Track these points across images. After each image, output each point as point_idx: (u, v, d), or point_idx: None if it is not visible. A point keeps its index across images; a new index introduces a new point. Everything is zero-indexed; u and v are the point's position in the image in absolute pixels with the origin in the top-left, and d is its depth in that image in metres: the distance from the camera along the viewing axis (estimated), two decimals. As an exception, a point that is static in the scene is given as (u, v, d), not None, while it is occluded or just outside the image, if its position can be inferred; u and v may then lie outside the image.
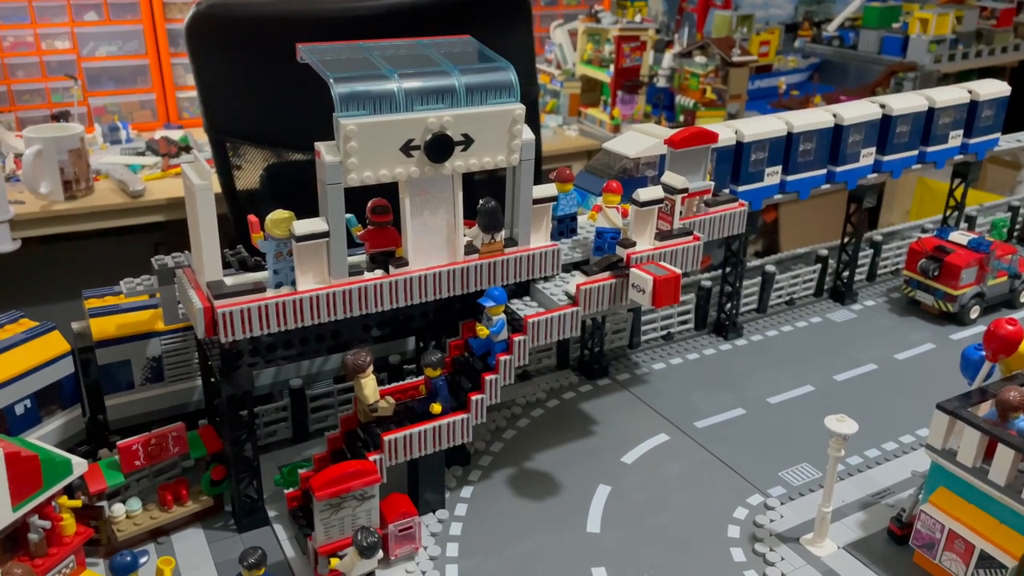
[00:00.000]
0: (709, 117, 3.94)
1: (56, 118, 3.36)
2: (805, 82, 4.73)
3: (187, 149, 3.47)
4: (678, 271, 1.21)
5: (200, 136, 3.39)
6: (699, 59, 3.97)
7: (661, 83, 4.16)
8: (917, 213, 4.69)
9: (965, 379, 1.19)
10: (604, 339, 1.66)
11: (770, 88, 4.58)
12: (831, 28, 5.04)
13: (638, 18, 4.15)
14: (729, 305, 1.77)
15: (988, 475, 1.07)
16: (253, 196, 2.31)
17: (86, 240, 3.03)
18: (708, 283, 1.78)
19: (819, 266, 1.91)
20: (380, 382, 1.45)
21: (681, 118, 3.96)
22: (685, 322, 1.80)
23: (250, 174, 2.33)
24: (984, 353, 1.15)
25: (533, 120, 2.66)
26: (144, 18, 3.72)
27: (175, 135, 3.56)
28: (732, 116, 4.10)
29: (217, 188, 2.26)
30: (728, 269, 1.74)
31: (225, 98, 2.27)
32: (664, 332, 1.78)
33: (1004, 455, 1.05)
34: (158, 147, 3.36)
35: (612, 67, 3.92)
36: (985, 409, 1.12)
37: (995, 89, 1.84)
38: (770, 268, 1.84)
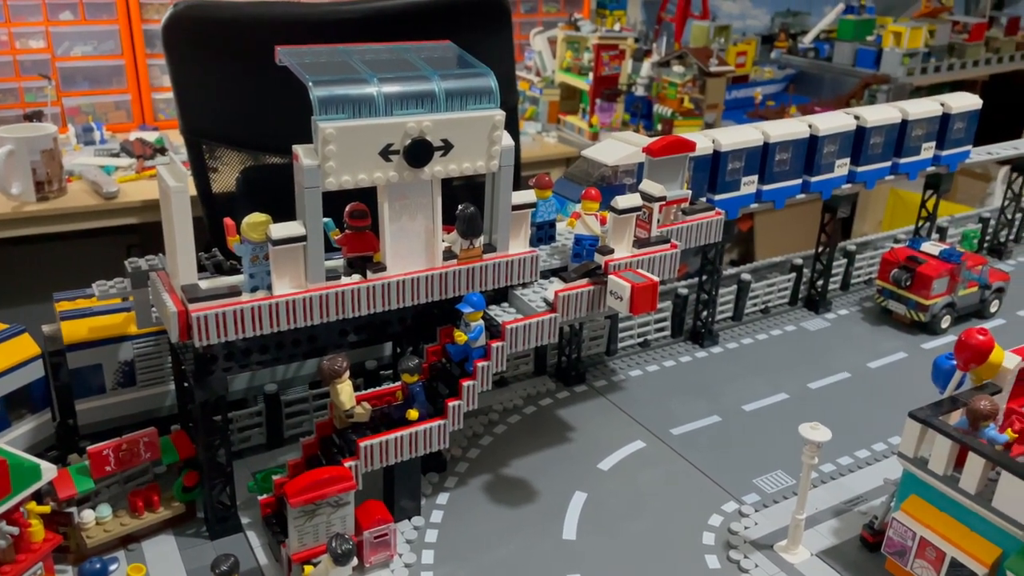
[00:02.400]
0: (686, 126, 3.98)
1: (29, 118, 3.31)
2: (781, 93, 4.79)
3: (162, 151, 3.44)
4: (656, 279, 1.21)
5: (176, 138, 3.35)
6: (677, 69, 4.01)
7: (639, 91, 4.19)
8: (889, 223, 4.76)
9: (937, 388, 1.20)
10: (581, 346, 1.66)
11: (746, 98, 4.63)
12: (807, 40, 5.11)
13: (617, 27, 4.18)
14: (705, 313, 1.78)
15: (959, 483, 1.09)
16: (229, 199, 2.29)
17: (58, 242, 2.98)
18: (684, 291, 1.79)
19: (794, 275, 1.93)
20: (356, 388, 1.45)
21: (659, 127, 3.99)
22: (662, 329, 1.81)
23: (226, 176, 2.31)
24: (955, 362, 1.17)
25: (513, 127, 2.66)
26: (120, 18, 3.68)
27: (150, 136, 3.52)
28: (709, 126, 4.14)
29: (193, 191, 2.24)
30: (704, 277, 1.75)
31: (202, 100, 2.25)
32: (641, 339, 1.79)
33: (975, 463, 1.07)
34: (133, 148, 3.32)
35: (591, 75, 3.94)
36: (956, 418, 1.14)
37: (967, 102, 1.87)
38: (746, 277, 1.85)
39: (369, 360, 1.47)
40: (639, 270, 1.25)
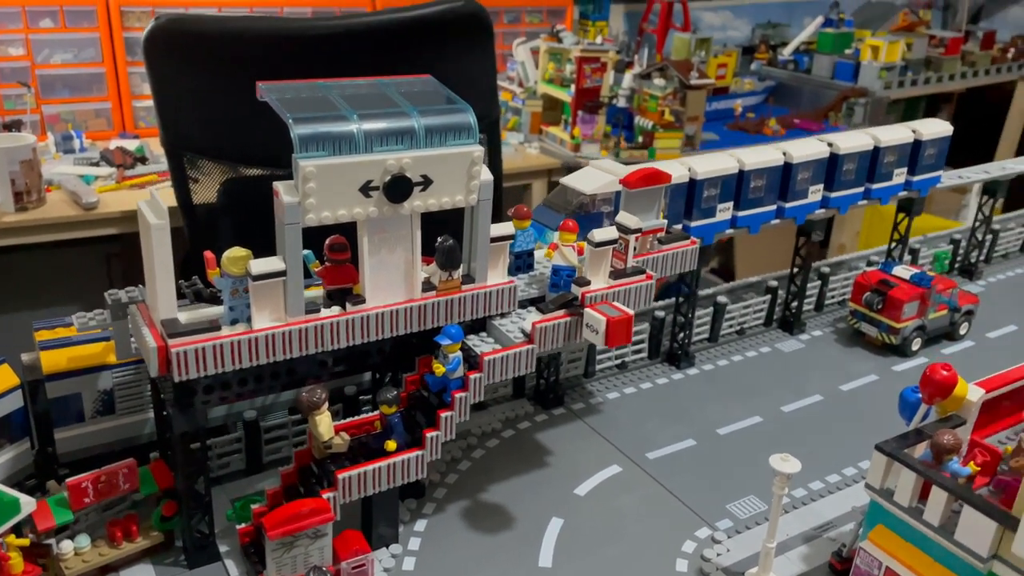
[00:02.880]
0: (667, 138, 4.02)
1: (8, 127, 3.29)
2: (761, 104, 4.84)
3: (143, 160, 3.43)
4: (631, 312, 1.23)
5: (156, 147, 3.34)
6: (658, 81, 4.04)
7: (621, 103, 4.22)
8: (867, 235, 4.83)
9: (903, 420, 1.23)
10: (560, 368, 1.68)
11: (727, 110, 4.68)
12: (786, 52, 5.16)
13: (599, 39, 4.21)
14: (682, 335, 1.81)
15: (923, 515, 1.12)
16: (211, 210, 2.29)
17: (37, 252, 2.96)
18: (661, 313, 1.82)
19: (769, 297, 1.96)
20: (336, 413, 1.47)
21: (640, 139, 4.03)
22: (639, 351, 1.84)
23: (208, 188, 2.31)
24: (921, 395, 1.20)
25: (494, 141, 2.69)
26: (101, 26, 3.67)
27: (131, 145, 3.51)
28: (690, 138, 4.18)
29: (172, 201, 2.24)
30: (681, 300, 1.78)
31: (183, 112, 2.25)
32: (618, 361, 1.81)
33: (938, 496, 1.10)
34: (113, 157, 3.30)
35: (573, 87, 3.96)
36: (921, 450, 1.17)
37: (938, 129, 1.91)
38: (722, 299, 1.88)
39: (349, 386, 1.48)
40: (615, 303, 1.28)
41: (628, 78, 4.30)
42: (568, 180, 1.57)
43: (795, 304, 1.95)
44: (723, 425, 1.63)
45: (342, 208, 1.12)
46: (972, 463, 1.14)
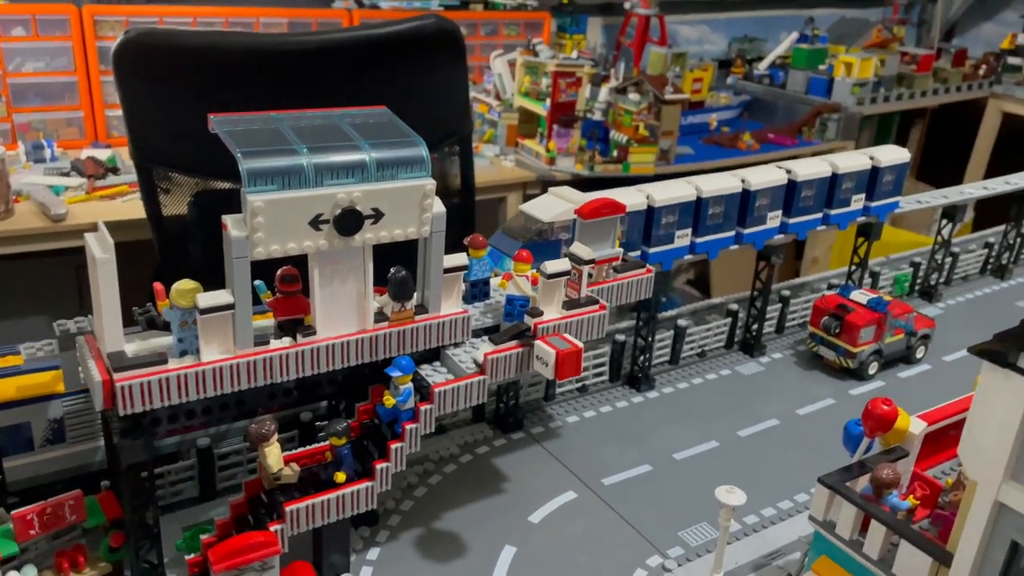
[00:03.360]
0: (641, 153, 4.05)
1: (-24, 137, 3.26)
2: (736, 119, 4.88)
3: (114, 170, 3.41)
4: (580, 345, 1.25)
5: (128, 157, 3.33)
6: (632, 96, 4.07)
7: (597, 116, 4.25)
8: (840, 249, 4.88)
9: (847, 451, 1.25)
10: (519, 392, 1.69)
11: (702, 124, 4.72)
12: (762, 67, 5.22)
13: (574, 54, 4.23)
14: (642, 358, 1.82)
15: (863, 548, 1.14)
16: (181, 222, 2.28)
17: (5, 263, 2.94)
18: (622, 337, 1.83)
19: (730, 320, 1.99)
20: (291, 440, 1.47)
21: (615, 152, 4.05)
22: (600, 374, 1.85)
23: (178, 201, 2.30)
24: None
25: (467, 155, 2.70)
26: (74, 35, 3.64)
27: (102, 154, 3.48)
28: (664, 152, 4.21)
29: (141, 214, 2.24)
30: (641, 323, 1.79)
31: (153, 126, 2.24)
32: (579, 385, 1.82)
33: (877, 530, 1.12)
34: (84, 167, 3.28)
35: (548, 101, 3.98)
36: (863, 483, 1.19)
37: (895, 156, 1.94)
38: (682, 322, 1.90)
39: (304, 412, 1.48)
40: (565, 335, 1.29)
41: (604, 92, 4.33)
42: (527, 207, 1.58)
43: (755, 327, 1.97)
44: (679, 450, 1.65)
45: (292, 241, 1.13)
46: (912, 496, 1.16)
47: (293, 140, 1.15)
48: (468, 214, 2.76)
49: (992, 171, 5.50)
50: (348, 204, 1.14)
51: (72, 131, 3.77)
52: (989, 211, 3.06)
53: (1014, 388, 0.93)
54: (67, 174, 3.28)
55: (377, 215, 1.18)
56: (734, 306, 2.00)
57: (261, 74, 2.30)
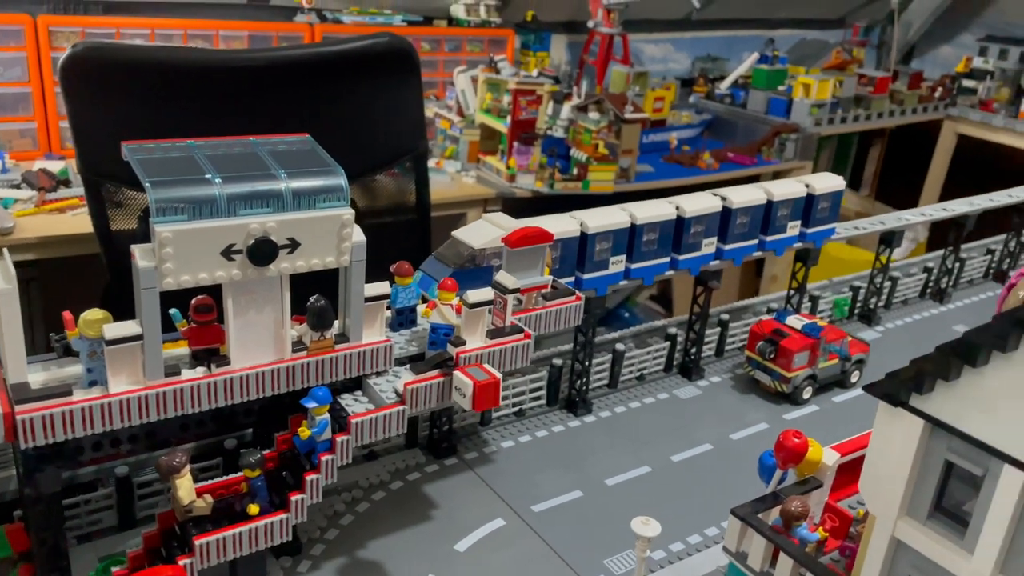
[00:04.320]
0: (601, 171, 4.07)
1: (-77, 149, 3.20)
2: (697, 137, 4.93)
3: (66, 183, 3.37)
4: (499, 375, 1.25)
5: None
6: (592, 115, 4.10)
7: (559, 134, 4.27)
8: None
9: (762, 482, 1.26)
10: (453, 417, 1.69)
11: (663, 142, 4.76)
12: (723, 86, 5.28)
13: (535, 72, 4.26)
14: (580, 382, 1.83)
15: (772, 579, 1.15)
16: (131, 238, 2.26)
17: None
18: (559, 361, 1.84)
19: (668, 343, 2.00)
20: (215, 467, 1.45)
21: (575, 171, 4.08)
22: (537, 398, 1.85)
23: (127, 216, 2.28)
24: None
25: (422, 173, 2.70)
26: (28, 45, 3.60)
27: (55, 166, 3.44)
28: (624, 170, 4.25)
29: (89, 228, 2.21)
30: (578, 347, 1.80)
31: (101, 141, 2.22)
32: (516, 408, 1.82)
33: (785, 562, 1.13)
34: (35, 179, 3.24)
35: (509, 118, 4.00)
36: (775, 515, 1.20)
37: (830, 183, 1.97)
38: (620, 346, 1.91)
39: (229, 439, 1.47)
40: (486, 365, 1.29)
41: (566, 109, 4.36)
42: (459, 233, 1.58)
43: (694, 351, 1.99)
44: (612, 475, 1.65)
45: (203, 272, 1.12)
46: (821, 528, 1.17)
47: (207, 169, 1.14)
48: (423, 232, 2.76)
49: (947, 191, 5.61)
50: (262, 234, 1.13)
51: (25, 142, 3.72)
52: (946, 231, 3.11)
53: (906, 426, 0.95)
54: (18, 186, 3.23)
55: (293, 245, 1.17)
56: (673, 330, 2.02)
57: (212, 90, 2.29)
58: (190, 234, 1.09)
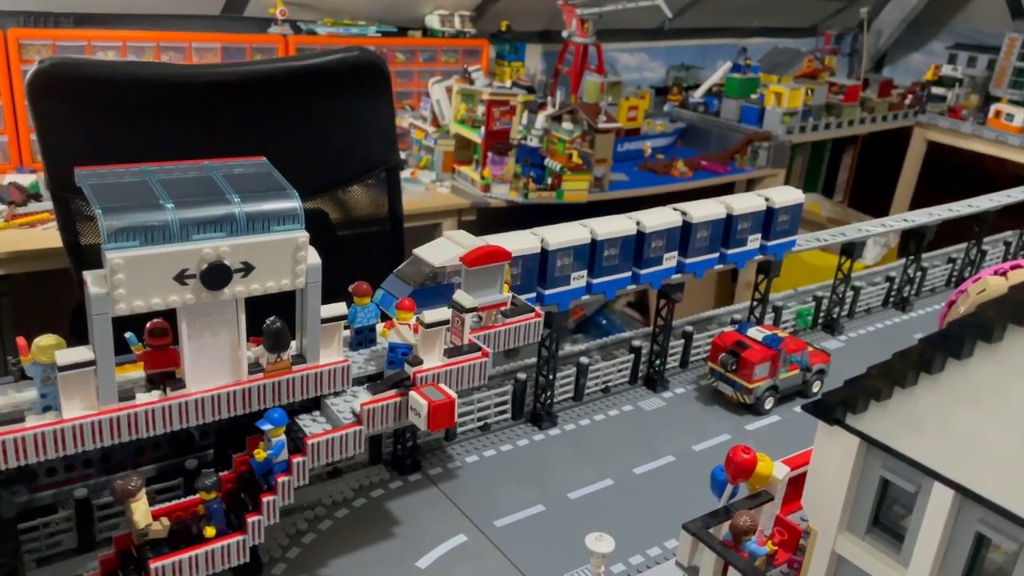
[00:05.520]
0: (574, 180, 4.11)
1: None
2: (670, 146, 4.98)
3: (37, 197, 3.36)
4: (453, 395, 1.26)
5: (48, 187, 3.27)
6: (566, 125, 4.13)
7: (534, 143, 4.30)
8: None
9: (714, 496, 1.29)
10: (418, 432, 1.70)
11: (637, 151, 4.80)
12: (697, 95, 5.33)
13: (508, 83, 4.28)
14: (544, 396, 1.85)
15: (723, 593, 1.17)
16: (101, 253, 2.26)
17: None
18: (523, 375, 1.85)
19: (632, 356, 2.02)
20: (176, 488, 1.45)
21: (549, 180, 4.10)
22: (503, 412, 1.87)
23: (97, 230, 2.27)
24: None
25: (394, 185, 2.71)
26: (-3, 59, 3.58)
27: (26, 180, 3.43)
28: (598, 179, 4.28)
29: (58, 243, 2.21)
30: (543, 361, 1.82)
31: (70, 156, 2.21)
32: (481, 423, 1.84)
33: (734, 576, 1.16)
34: (6, 193, 3.23)
35: (483, 128, 4.02)
36: (726, 529, 1.23)
37: (790, 197, 2.01)
38: (584, 360, 1.93)
39: (190, 460, 1.47)
40: (442, 385, 1.31)
41: (541, 119, 4.39)
42: (420, 251, 1.59)
43: (658, 362, 2.01)
44: (574, 489, 1.67)
45: (156, 297, 1.13)
46: (770, 542, 1.20)
47: (160, 194, 1.15)
48: (397, 244, 2.77)
49: (918, 196, 5.69)
50: (215, 259, 1.14)
51: (-5, 156, 3.69)
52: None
53: (843, 444, 0.97)
54: (-13, 201, 3.21)
55: (247, 268, 1.18)
56: (638, 342, 2.04)
57: (181, 106, 2.29)
58: (142, 260, 1.10)
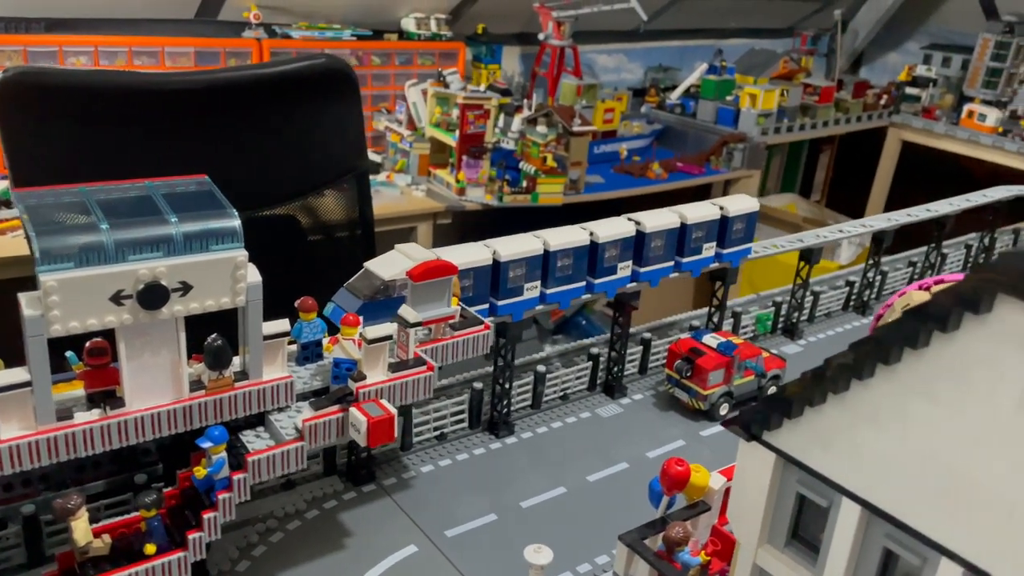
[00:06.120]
0: (549, 184, 4.13)
1: None
2: (647, 148, 5.00)
3: (7, 204, 3.35)
4: (393, 411, 1.28)
5: (17, 195, 3.25)
6: (540, 128, 4.15)
7: (510, 146, 4.31)
8: (750, 274, 5.02)
9: (653, 507, 1.31)
10: (373, 443, 1.71)
11: (614, 153, 4.82)
12: (673, 96, 5.36)
13: (483, 87, 4.29)
14: (501, 404, 1.87)
15: (657, 604, 1.19)
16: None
17: None
18: (479, 385, 1.87)
19: (591, 363, 2.04)
20: (125, 503, 1.46)
21: (524, 183, 4.12)
22: (459, 421, 1.88)
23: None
24: (663, 486, 1.27)
25: (364, 191, 2.73)
26: (-33, 65, 3.57)
27: (-3, 187, 3.41)
28: (573, 182, 4.30)
29: (25, 251, 2.21)
30: (498, 371, 1.83)
31: (36, 165, 2.22)
32: (438, 432, 1.85)
33: (666, 587, 1.17)
34: (-25, 202, 3.22)
35: (458, 132, 4.04)
36: (660, 540, 1.24)
37: (745, 205, 2.03)
38: (540, 368, 1.95)
39: (139, 475, 1.48)
40: (382, 401, 1.32)
41: (517, 122, 4.40)
42: (370, 264, 1.61)
43: (616, 369, 2.03)
44: (527, 497, 1.69)
45: (92, 318, 1.14)
46: (703, 552, 1.22)
47: (97, 215, 1.16)
48: (368, 250, 2.78)
49: (894, 196, 5.74)
50: (151, 279, 1.15)
51: (-35, 163, 3.67)
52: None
53: (761, 459, 0.99)
54: (-44, 209, 3.20)
55: (185, 288, 1.19)
56: (596, 349, 2.06)
57: (148, 114, 2.30)
58: (76, 282, 1.11)
